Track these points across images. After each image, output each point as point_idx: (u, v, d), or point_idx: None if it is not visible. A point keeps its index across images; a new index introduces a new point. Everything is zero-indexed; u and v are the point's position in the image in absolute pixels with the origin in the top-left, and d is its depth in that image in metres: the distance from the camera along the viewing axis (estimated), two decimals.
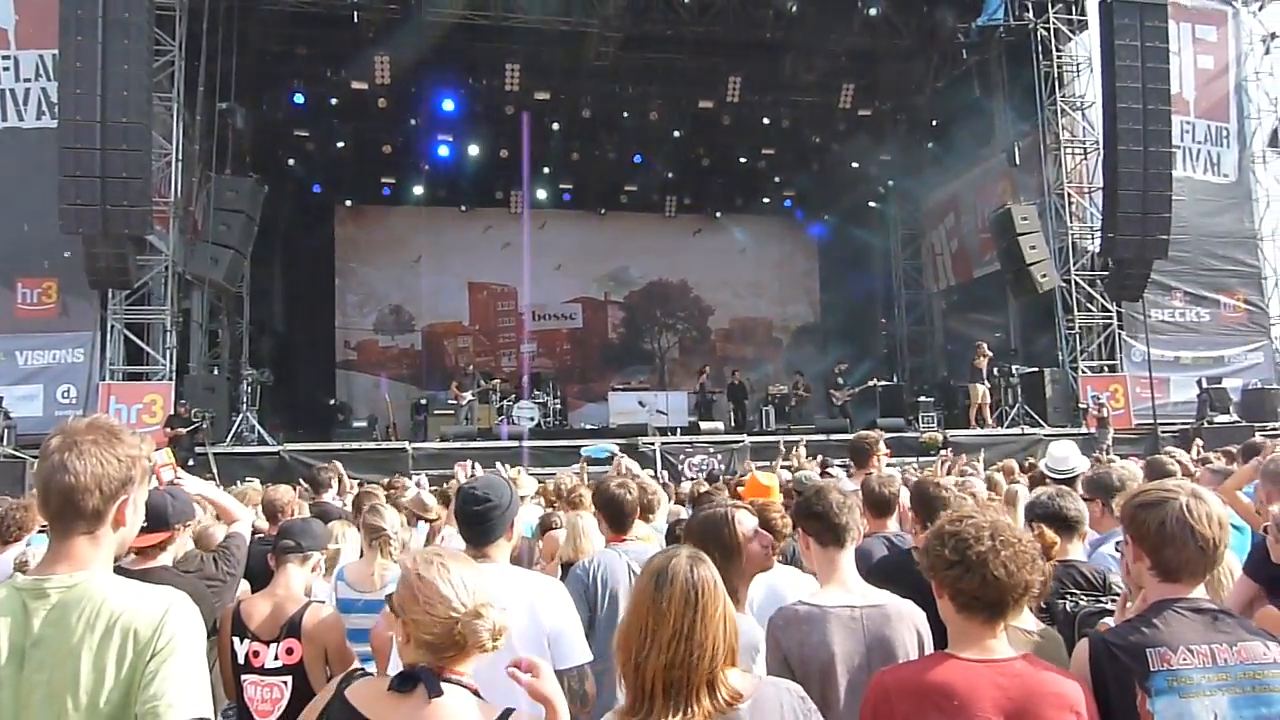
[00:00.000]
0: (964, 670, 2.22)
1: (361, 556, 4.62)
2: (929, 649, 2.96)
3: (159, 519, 3.56)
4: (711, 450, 16.39)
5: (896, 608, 3.00)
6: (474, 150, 22.38)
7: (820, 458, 11.10)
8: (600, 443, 11.66)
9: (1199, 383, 18.19)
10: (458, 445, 16.22)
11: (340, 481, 8.05)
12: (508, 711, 2.09)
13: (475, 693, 2.10)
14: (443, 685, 2.06)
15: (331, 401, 21.25)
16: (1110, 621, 2.83)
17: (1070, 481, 5.27)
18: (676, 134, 22.35)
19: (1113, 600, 3.13)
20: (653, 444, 16.09)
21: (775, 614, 3.03)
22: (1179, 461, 6.49)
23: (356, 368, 24.69)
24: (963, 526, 2.31)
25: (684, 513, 6.14)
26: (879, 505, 4.41)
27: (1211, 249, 19.38)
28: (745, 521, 3.28)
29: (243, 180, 16.55)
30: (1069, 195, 18.77)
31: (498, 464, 7.82)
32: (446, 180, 23.27)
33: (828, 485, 3.24)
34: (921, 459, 15.40)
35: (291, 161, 22.06)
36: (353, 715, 2.11)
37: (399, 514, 5.05)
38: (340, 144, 21.74)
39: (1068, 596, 3.42)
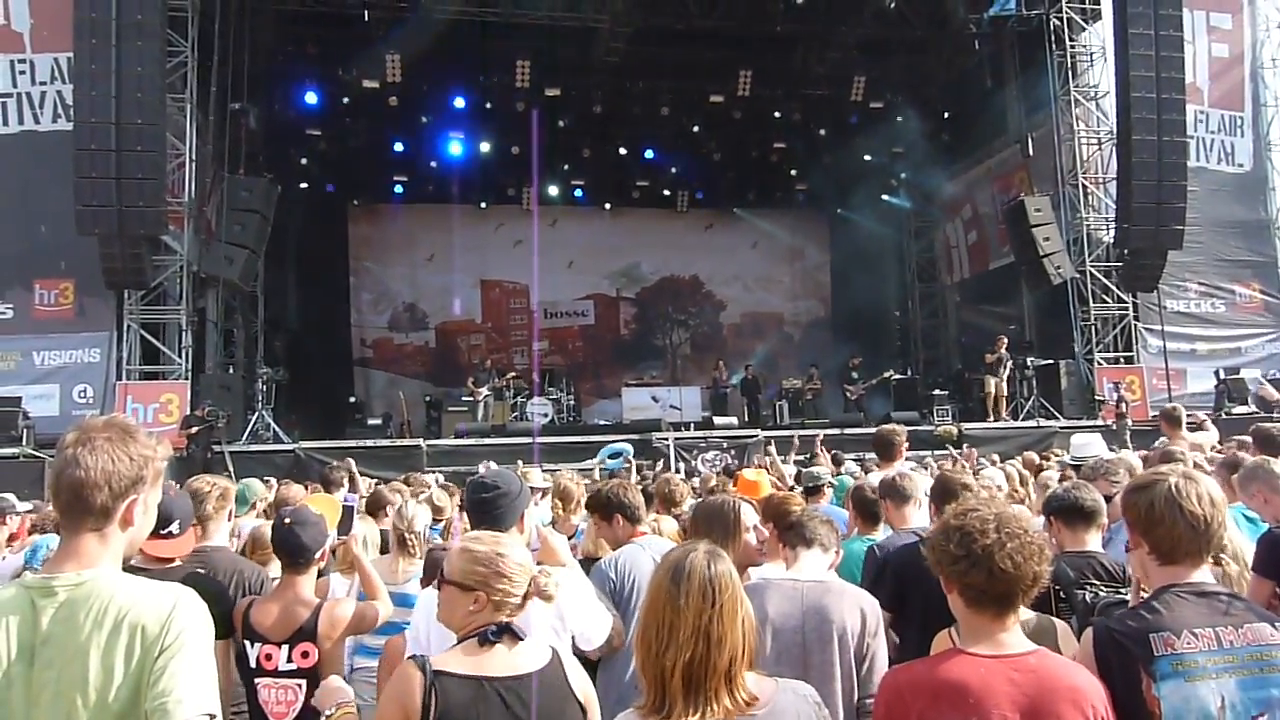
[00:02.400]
0: (977, 666, 2.20)
1: (385, 553, 4.71)
2: (873, 630, 3.11)
3: (168, 520, 3.61)
4: (725, 445, 16.41)
5: (840, 585, 3.20)
6: (485, 148, 22.43)
7: (834, 452, 11.12)
8: (615, 442, 11.65)
9: (1216, 373, 18.11)
10: (472, 442, 16.30)
11: (352, 479, 8.08)
12: (552, 650, 2.55)
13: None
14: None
15: (352, 399, 21.34)
16: None
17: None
18: (687, 129, 22.35)
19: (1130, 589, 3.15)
20: (666, 439, 16.11)
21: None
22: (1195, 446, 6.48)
23: (373, 365, 24.80)
24: (967, 520, 2.29)
25: None
26: (901, 498, 4.43)
27: (1226, 239, 19.24)
28: (747, 513, 3.42)
29: (256, 180, 16.64)
30: (1083, 186, 18.70)
31: (519, 462, 7.86)
32: (458, 178, 23.28)
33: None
34: (936, 452, 15.41)
35: (304, 161, 22.15)
36: (459, 679, 2.39)
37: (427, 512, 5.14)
38: (352, 143, 21.83)
39: (1087, 587, 3.42)
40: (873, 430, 7.83)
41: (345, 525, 4.13)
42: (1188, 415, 8.36)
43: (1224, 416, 16.59)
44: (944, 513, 2.47)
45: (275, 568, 4.46)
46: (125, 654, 1.88)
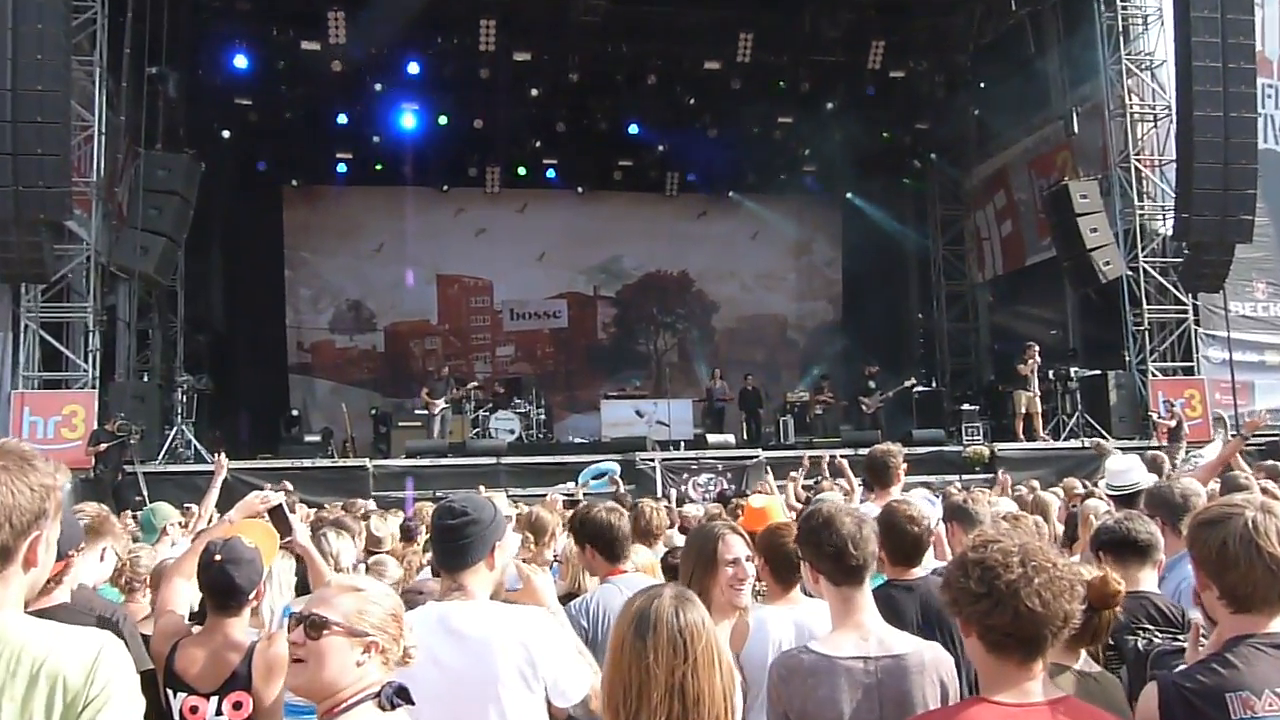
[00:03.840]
0: (999, 716, 2.22)
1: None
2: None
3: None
4: (721, 468, 16.42)
5: (919, 658, 3.00)
6: (443, 121, 22.39)
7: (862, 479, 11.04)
8: (599, 461, 11.61)
9: None
10: (426, 463, 16.26)
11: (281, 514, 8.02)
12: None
13: None
14: None
15: (295, 412, 21.27)
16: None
17: (1132, 499, 5.29)
18: (679, 101, 22.37)
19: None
20: (652, 460, 16.11)
21: (775, 662, 3.04)
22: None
23: (311, 372, 24.75)
24: (988, 553, 2.29)
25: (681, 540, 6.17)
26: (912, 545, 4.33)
27: None
28: (733, 545, 3.41)
29: (176, 157, 16.57)
30: (1136, 169, 18.79)
31: (481, 487, 7.84)
32: (411, 156, 23.21)
33: (838, 511, 3.23)
34: (965, 477, 15.45)
35: (232, 134, 22.03)
36: None
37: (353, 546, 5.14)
38: (289, 114, 21.74)
39: (1139, 632, 3.41)
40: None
41: (284, 527, 4.18)
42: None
43: None
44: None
45: (145, 603, 4.53)
46: (45, 708, 1.89)
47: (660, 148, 24.39)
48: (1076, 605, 2.28)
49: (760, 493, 9.03)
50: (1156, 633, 3.42)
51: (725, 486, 15.55)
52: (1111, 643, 3.38)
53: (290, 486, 8.26)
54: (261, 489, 6.79)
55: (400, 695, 2.34)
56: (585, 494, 8.92)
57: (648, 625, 2.15)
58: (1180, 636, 3.32)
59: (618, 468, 9.33)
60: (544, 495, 8.36)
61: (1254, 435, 10.14)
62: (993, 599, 2.23)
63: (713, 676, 2.13)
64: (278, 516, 4.28)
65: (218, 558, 3.66)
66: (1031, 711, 2.22)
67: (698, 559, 3.62)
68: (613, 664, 2.18)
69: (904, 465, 6.18)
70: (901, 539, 4.09)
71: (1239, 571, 2.36)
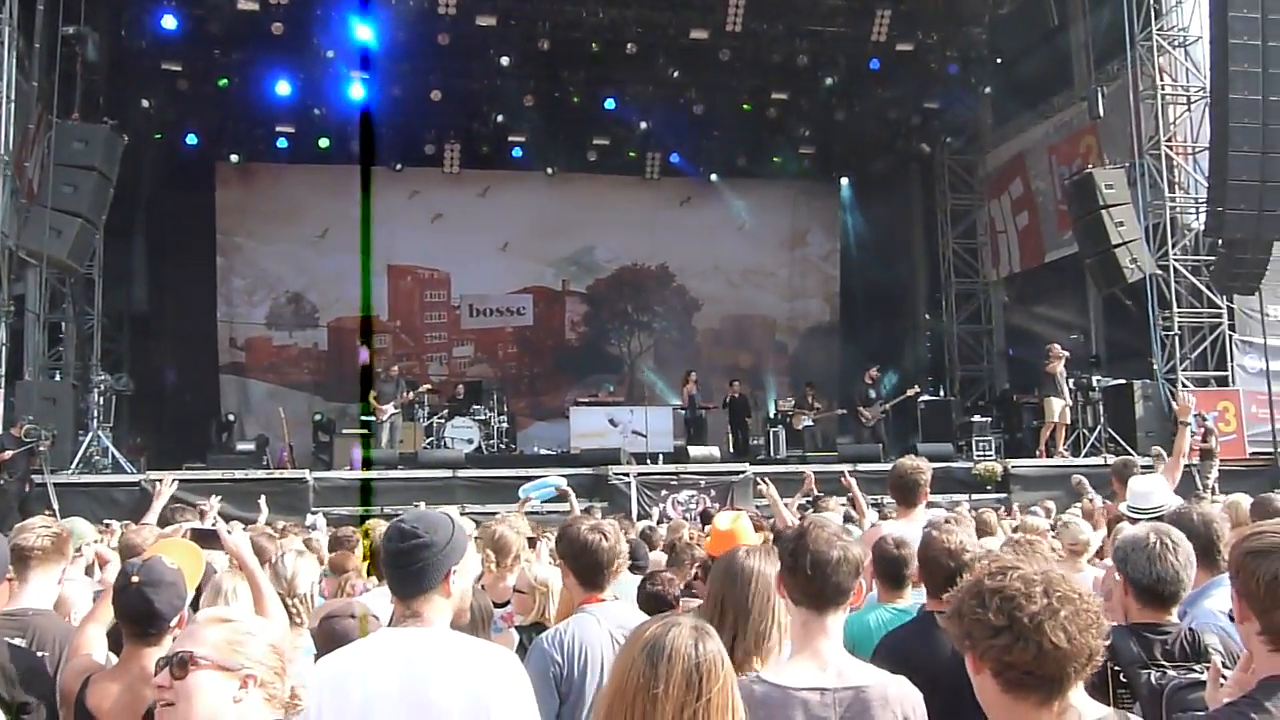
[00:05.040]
0: None
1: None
2: None
3: None
4: (704, 484, 16.46)
5: (881, 691, 3.01)
6: (397, 92, 22.31)
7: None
8: (543, 476, 11.60)
9: None
10: (374, 475, 16.24)
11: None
12: None
13: None
14: None
15: (229, 417, 21.18)
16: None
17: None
18: (661, 73, 22.39)
19: (1206, 669, 3.18)
20: (627, 475, 16.14)
21: None
22: None
23: (246, 372, 24.62)
24: (1008, 581, 2.27)
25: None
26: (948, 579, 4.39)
27: None
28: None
29: (95, 128, 16.45)
30: (1167, 157, 18.91)
31: (421, 503, 7.83)
32: (361, 132, 23.08)
33: (817, 529, 3.22)
34: (975, 496, 15.56)
35: (158, 104, 21.89)
36: None
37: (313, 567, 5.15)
38: (223, 82, 21.64)
39: (1154, 667, 3.45)
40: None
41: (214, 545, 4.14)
42: None
43: None
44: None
45: None
46: None
47: (640, 126, 24.35)
48: (1101, 641, 2.27)
49: (734, 510, 9.04)
50: (1170, 668, 3.45)
51: (709, 505, 15.59)
52: (1124, 679, 3.43)
53: (218, 502, 8.12)
54: (192, 506, 6.81)
55: None
56: (529, 511, 8.92)
57: (661, 654, 2.17)
58: (1196, 667, 3.38)
59: (563, 481, 9.29)
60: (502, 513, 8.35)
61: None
62: (1014, 633, 2.22)
63: (725, 718, 2.16)
64: (207, 536, 4.25)
65: (135, 579, 3.59)
66: None
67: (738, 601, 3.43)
68: (615, 692, 2.20)
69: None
70: (939, 570, 4.13)
71: None
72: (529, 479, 10.17)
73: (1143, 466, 9.07)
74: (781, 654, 3.31)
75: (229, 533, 4.36)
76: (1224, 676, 2.56)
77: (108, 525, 8.54)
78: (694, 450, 18.52)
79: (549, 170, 25.16)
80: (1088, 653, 2.24)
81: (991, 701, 2.32)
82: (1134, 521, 5.89)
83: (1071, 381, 18.68)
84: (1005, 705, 2.29)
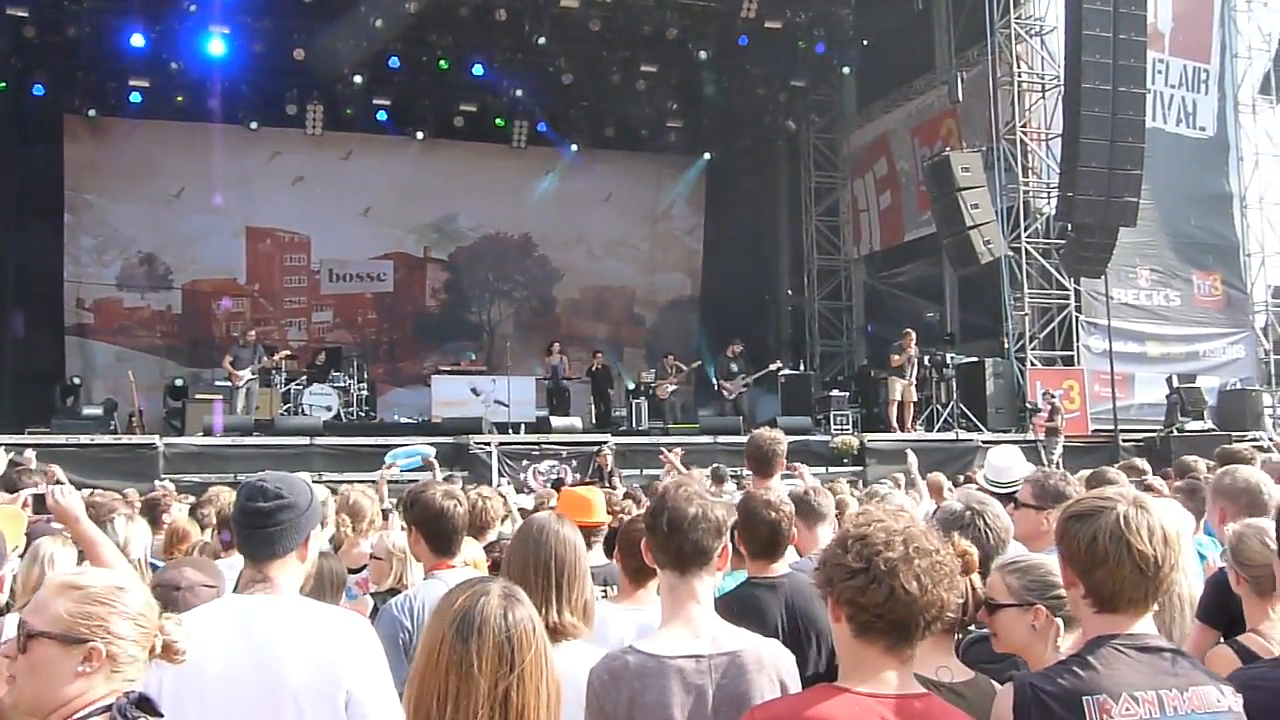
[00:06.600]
0: (851, 706, 2.29)
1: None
2: None
3: None
4: (565, 454, 16.51)
5: (755, 655, 3.02)
6: (258, 48, 21.77)
7: (715, 466, 11.24)
8: (410, 444, 11.50)
9: (1168, 381, 19.01)
10: (228, 442, 15.93)
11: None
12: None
13: None
14: None
15: (75, 380, 20.50)
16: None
17: (1013, 497, 5.49)
18: (530, 40, 22.21)
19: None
20: (488, 444, 16.09)
21: (597, 667, 3.02)
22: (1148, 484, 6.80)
23: (93, 334, 23.95)
24: (871, 530, 2.37)
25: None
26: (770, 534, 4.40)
27: (1184, 218, 20.25)
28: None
29: None
30: (1022, 142, 19.42)
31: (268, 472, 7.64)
32: (219, 87, 22.56)
33: (679, 489, 3.20)
34: (832, 469, 15.87)
35: (3, 52, 21.17)
36: None
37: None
38: (73, 31, 20.85)
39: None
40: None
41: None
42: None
43: (1175, 433, 17.58)
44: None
45: None
46: None
47: (511, 92, 24.18)
48: (953, 597, 2.38)
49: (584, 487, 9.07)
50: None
51: (569, 475, 15.65)
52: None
53: (60, 472, 7.81)
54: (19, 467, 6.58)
55: (141, 706, 2.27)
56: (390, 480, 8.87)
57: (471, 626, 2.13)
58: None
59: (431, 450, 9.23)
60: (364, 482, 8.26)
61: None
62: (869, 575, 2.31)
63: (540, 688, 2.14)
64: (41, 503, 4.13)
65: None
66: (883, 702, 2.30)
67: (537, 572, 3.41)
68: (427, 665, 2.15)
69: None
70: (758, 528, 4.12)
71: (1107, 569, 2.46)
72: (388, 448, 10.10)
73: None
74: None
75: (62, 495, 4.19)
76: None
77: None
78: (556, 420, 18.53)
79: (419, 135, 24.77)
80: (939, 604, 2.33)
81: (844, 647, 2.42)
82: (996, 495, 6.04)
83: (926, 359, 19.08)
84: (854, 649, 2.37)
